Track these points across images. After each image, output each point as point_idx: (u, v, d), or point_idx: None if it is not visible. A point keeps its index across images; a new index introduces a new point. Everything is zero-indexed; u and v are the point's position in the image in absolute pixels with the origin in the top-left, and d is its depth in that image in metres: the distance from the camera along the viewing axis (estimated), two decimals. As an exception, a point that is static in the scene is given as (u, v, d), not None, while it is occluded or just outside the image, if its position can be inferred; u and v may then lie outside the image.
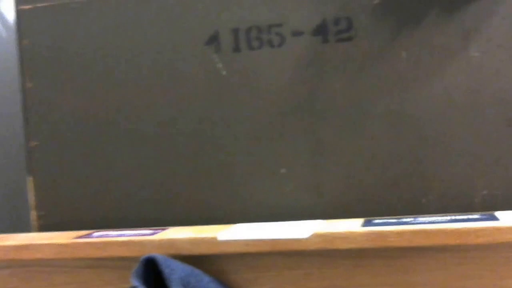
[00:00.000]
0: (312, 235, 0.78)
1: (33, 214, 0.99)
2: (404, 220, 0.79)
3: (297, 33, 0.88)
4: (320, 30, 0.87)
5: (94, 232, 0.92)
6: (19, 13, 0.97)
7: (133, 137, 0.94)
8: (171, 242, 0.83)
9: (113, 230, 0.92)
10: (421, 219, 0.79)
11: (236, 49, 0.90)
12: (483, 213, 0.80)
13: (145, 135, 0.94)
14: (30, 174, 0.99)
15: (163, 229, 0.89)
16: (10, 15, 1.15)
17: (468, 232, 0.73)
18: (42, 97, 0.98)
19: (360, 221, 0.81)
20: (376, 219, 0.82)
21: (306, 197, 0.88)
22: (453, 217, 0.78)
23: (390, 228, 0.76)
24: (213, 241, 0.82)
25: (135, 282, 0.79)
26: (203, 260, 0.83)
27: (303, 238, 0.78)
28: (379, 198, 0.85)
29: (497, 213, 0.78)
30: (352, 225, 0.79)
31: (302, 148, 0.88)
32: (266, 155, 0.89)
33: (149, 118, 0.94)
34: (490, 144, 0.82)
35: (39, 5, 0.96)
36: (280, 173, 0.89)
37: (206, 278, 0.82)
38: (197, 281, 0.81)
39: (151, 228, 0.91)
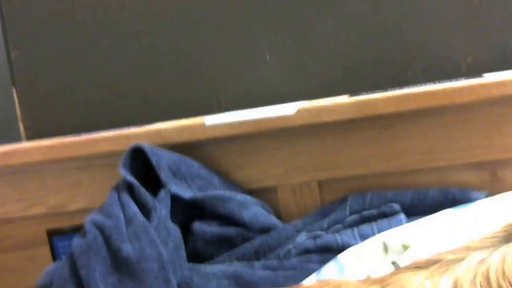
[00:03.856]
0: (298, 110, 0.77)
1: (20, 126, 0.98)
2: (391, 91, 0.79)
3: None
4: None
5: (81, 134, 0.91)
6: None
7: (113, 36, 0.93)
8: (158, 132, 0.83)
9: (101, 131, 0.91)
10: (407, 88, 0.78)
11: None
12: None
13: (125, 33, 0.92)
14: (13, 86, 0.97)
15: (150, 124, 0.88)
16: None
17: (453, 91, 0.72)
18: (19, 4, 0.96)
19: (346, 96, 0.81)
20: (362, 94, 0.81)
21: (291, 80, 0.87)
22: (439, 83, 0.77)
23: (376, 95, 0.75)
24: (199, 126, 0.81)
25: (122, 171, 0.79)
26: (190, 148, 0.83)
27: (289, 115, 0.77)
28: (365, 74, 0.84)
29: (484, 75, 0.78)
30: (338, 99, 0.78)
31: (284, 32, 0.87)
32: (249, 42, 0.88)
33: (129, 15, 0.92)
34: (471, 10, 0.81)
35: None
36: (265, 59, 0.87)
37: (195, 164, 0.82)
38: (187, 167, 0.81)
39: (138, 125, 0.90)
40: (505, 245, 0.49)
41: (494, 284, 0.46)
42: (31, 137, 0.97)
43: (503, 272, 0.46)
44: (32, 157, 0.87)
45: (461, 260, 0.49)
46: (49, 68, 0.95)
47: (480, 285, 0.46)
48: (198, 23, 0.89)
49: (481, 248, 0.50)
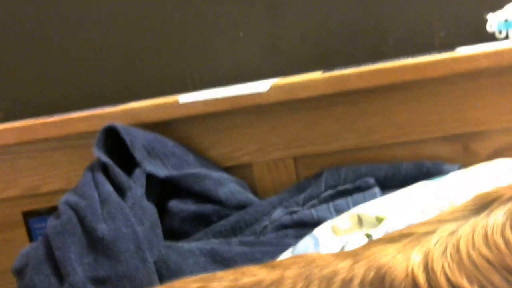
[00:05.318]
0: (271, 87, 0.77)
1: (-7, 107, 0.97)
2: (364, 66, 0.79)
3: None
4: None
5: (55, 115, 0.90)
6: None
7: (85, 16, 0.92)
8: (132, 111, 0.82)
9: (74, 112, 0.90)
10: (380, 63, 0.78)
11: None
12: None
13: (97, 13, 0.91)
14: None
15: (124, 104, 0.87)
16: None
17: (426, 65, 0.73)
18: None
19: (319, 72, 0.81)
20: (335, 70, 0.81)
21: (265, 57, 0.86)
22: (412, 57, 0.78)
23: (349, 71, 0.75)
24: (173, 105, 0.81)
25: (97, 152, 0.78)
26: (165, 127, 0.82)
27: (262, 92, 0.77)
28: (338, 49, 0.84)
29: (456, 49, 0.78)
30: (311, 75, 0.78)
31: (257, 9, 0.86)
32: (223, 19, 0.88)
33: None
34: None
35: None
36: (238, 37, 0.87)
37: (170, 143, 0.81)
38: (162, 145, 0.80)
39: (112, 105, 0.90)
40: (475, 217, 0.49)
41: (464, 255, 0.46)
42: (4, 119, 0.96)
43: (473, 243, 0.47)
44: (5, 139, 0.86)
45: (432, 232, 0.50)
46: (21, 49, 0.94)
47: (451, 256, 0.46)
48: (171, 0, 0.89)
49: (452, 220, 0.50)
